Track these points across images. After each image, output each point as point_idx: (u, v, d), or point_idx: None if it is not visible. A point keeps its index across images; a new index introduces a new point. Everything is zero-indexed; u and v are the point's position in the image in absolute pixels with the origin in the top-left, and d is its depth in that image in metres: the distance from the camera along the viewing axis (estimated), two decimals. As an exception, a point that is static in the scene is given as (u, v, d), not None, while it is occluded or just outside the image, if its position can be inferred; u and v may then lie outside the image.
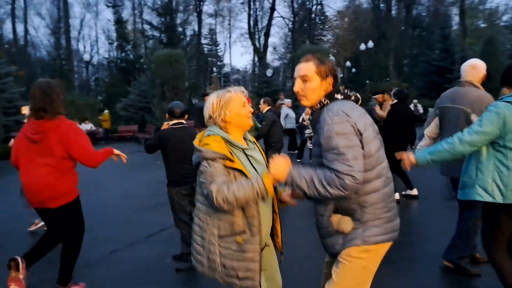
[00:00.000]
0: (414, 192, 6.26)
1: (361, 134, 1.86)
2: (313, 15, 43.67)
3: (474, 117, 3.32)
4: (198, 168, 2.08)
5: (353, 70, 37.91)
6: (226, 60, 50.53)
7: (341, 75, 46.70)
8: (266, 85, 28.02)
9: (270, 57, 49.10)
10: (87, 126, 19.06)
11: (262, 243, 2.10)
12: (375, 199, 1.92)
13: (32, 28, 45.96)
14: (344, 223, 1.97)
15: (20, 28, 41.71)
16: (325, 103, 1.98)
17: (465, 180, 2.91)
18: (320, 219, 2.03)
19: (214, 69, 46.82)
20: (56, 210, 3.25)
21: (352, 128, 1.84)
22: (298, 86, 2.01)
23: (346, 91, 2.04)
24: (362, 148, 1.85)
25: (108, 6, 34.68)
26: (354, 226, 1.95)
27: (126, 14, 38.25)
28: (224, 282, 2.08)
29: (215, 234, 2.04)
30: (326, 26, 45.70)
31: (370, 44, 28.90)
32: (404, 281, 3.48)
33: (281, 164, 1.93)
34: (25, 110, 12.41)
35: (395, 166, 6.10)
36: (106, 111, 20.43)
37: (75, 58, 41.01)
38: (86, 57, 33.70)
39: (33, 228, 5.56)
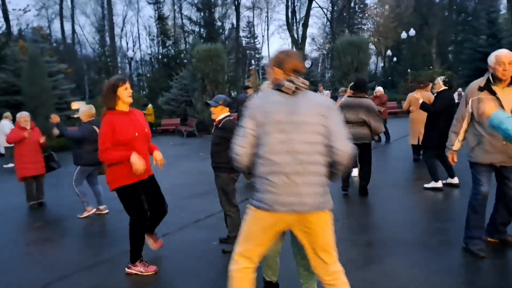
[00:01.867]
0: (455, 180, 6.16)
1: (256, 119, 2.29)
2: (352, 4, 42.79)
3: None
4: None
5: (395, 59, 36.92)
6: (264, 52, 50.55)
7: (382, 64, 45.56)
8: (304, 77, 27.85)
9: (308, 48, 48.66)
10: (132, 120, 19.76)
11: None
12: (256, 171, 2.32)
13: (78, 26, 47.95)
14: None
15: (67, 27, 43.83)
16: None
17: None
18: None
19: (253, 61, 47.02)
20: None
21: (249, 113, 2.32)
22: None
23: (283, 82, 2.32)
24: (255, 130, 2.30)
25: (149, 3, 35.68)
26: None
27: (166, 10, 39.20)
28: None
29: None
30: (366, 15, 44.66)
31: (412, 32, 28.00)
32: (439, 264, 3.54)
33: None
34: (75, 105, 13.11)
35: (440, 152, 6.08)
36: (150, 106, 21.11)
37: (118, 55, 42.52)
38: (129, 53, 34.84)
39: (85, 215, 5.96)
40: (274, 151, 2.25)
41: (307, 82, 2.42)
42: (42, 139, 6.82)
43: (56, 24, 45.08)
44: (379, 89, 11.70)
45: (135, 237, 3.76)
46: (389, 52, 37.30)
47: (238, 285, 2.40)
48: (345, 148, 2.25)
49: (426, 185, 6.20)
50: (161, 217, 4.13)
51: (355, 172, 7.29)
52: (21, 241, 5.23)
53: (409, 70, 26.90)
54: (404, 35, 28.74)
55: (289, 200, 2.24)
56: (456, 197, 5.87)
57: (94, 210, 6.04)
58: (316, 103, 2.33)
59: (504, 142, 3.34)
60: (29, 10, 38.93)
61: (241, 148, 2.31)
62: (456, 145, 3.77)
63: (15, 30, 32.33)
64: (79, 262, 4.17)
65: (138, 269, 3.78)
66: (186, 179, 8.23)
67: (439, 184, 6.08)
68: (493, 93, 3.42)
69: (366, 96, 5.98)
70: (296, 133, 2.25)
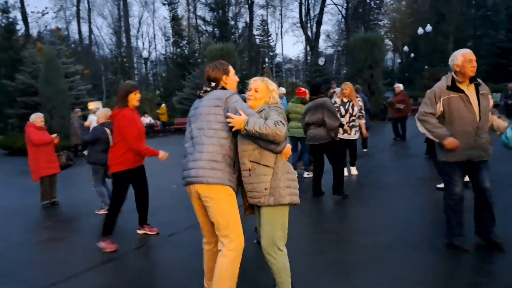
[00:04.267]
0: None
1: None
2: (367, 0, 42.27)
3: None
4: None
5: (412, 54, 36.34)
6: (278, 50, 50.44)
7: (399, 60, 44.87)
8: (318, 74, 27.66)
9: (323, 44, 48.42)
10: (146, 119, 20.00)
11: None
12: None
13: (95, 28, 48.73)
14: None
15: (84, 28, 44.53)
16: None
17: None
18: None
19: (266, 59, 46.92)
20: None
21: None
22: None
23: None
24: None
25: (164, 4, 35.93)
26: None
27: (181, 10, 39.44)
28: None
29: None
30: (382, 10, 44.05)
31: (429, 27, 27.50)
32: (446, 267, 3.48)
33: None
34: (92, 105, 13.35)
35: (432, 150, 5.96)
36: (163, 105, 21.29)
37: (134, 55, 43.00)
38: (145, 54, 35.23)
39: (101, 212, 6.12)
40: (185, 139, 2.92)
41: (211, 87, 2.91)
42: (56, 139, 6.96)
43: (74, 26, 45.87)
44: (399, 86, 11.46)
45: (108, 215, 4.55)
46: (406, 48, 36.76)
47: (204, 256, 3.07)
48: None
49: (438, 186, 6.07)
50: (145, 202, 4.92)
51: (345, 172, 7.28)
52: (32, 240, 5.32)
53: (426, 67, 26.48)
54: (420, 31, 28.26)
55: (185, 174, 2.82)
56: (468, 198, 5.73)
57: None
58: (213, 98, 2.81)
59: (475, 139, 3.54)
60: (47, 13, 39.74)
61: None
62: (446, 131, 3.58)
63: (34, 32, 33.04)
64: (87, 261, 4.23)
65: (102, 244, 4.48)
66: (196, 178, 8.26)
67: None
68: (461, 91, 3.57)
69: (323, 96, 6.14)
70: (194, 123, 2.85)
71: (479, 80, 3.63)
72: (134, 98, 4.49)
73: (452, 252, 3.76)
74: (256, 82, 2.91)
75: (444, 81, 3.67)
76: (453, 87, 3.59)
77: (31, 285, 3.78)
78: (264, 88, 2.88)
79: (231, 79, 3.00)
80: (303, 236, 4.55)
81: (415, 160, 8.56)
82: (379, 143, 11.12)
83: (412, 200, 5.71)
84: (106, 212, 6.00)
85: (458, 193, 3.67)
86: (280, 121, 2.59)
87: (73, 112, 13.05)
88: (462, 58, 3.56)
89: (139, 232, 4.97)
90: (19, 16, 28.32)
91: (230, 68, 3.06)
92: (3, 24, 21.92)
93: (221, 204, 2.71)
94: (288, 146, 2.78)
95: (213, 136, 2.72)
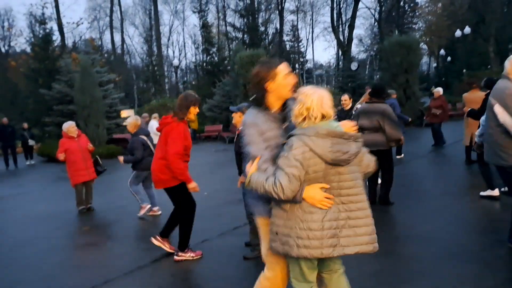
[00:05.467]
0: (496, 193, 5.66)
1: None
2: (401, 3, 41.40)
3: (496, 107, 3.61)
4: None
5: (449, 58, 35.23)
6: (308, 56, 50.09)
7: (435, 64, 43.61)
8: (350, 79, 27.17)
9: (355, 49, 47.74)
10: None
11: None
12: None
13: (127, 37, 50.13)
14: None
15: (117, 38, 45.85)
16: None
17: None
18: None
19: (297, 65, 46.72)
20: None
21: None
22: None
23: None
24: None
25: (194, 12, 36.54)
26: None
27: (210, 17, 39.95)
28: None
29: None
30: (417, 13, 43.03)
31: (467, 30, 26.53)
32: (495, 280, 3.19)
33: None
34: (125, 113, 13.54)
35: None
36: (194, 112, 21.47)
37: (165, 63, 43.83)
38: (175, 62, 35.80)
39: (142, 212, 6.25)
40: None
41: (248, 103, 2.62)
42: (90, 146, 7.18)
43: (107, 36, 47.42)
44: (438, 90, 11.02)
45: (185, 227, 4.30)
46: (442, 52, 35.68)
47: None
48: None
49: (482, 193, 5.74)
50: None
51: None
52: (69, 245, 5.41)
53: (464, 70, 25.54)
54: (458, 33, 27.32)
55: None
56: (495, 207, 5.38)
57: (150, 206, 6.30)
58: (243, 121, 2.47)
59: None
60: (82, 23, 41.33)
61: None
62: None
63: (69, 42, 34.27)
64: (122, 267, 4.25)
65: (189, 254, 4.28)
66: (227, 185, 8.17)
67: (496, 192, 5.59)
68: None
69: (383, 101, 5.72)
70: None
71: None
72: (194, 112, 4.33)
73: (499, 264, 3.52)
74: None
75: (508, 83, 3.63)
76: None
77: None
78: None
79: (280, 84, 2.32)
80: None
81: (455, 167, 8.17)
82: (416, 150, 10.72)
83: (454, 209, 5.38)
84: (144, 211, 6.19)
85: None
86: (280, 181, 2.11)
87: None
88: None
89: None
90: (55, 27, 29.48)
91: (280, 68, 2.33)
92: (40, 35, 22.80)
93: (260, 233, 2.54)
94: (321, 193, 2.17)
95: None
